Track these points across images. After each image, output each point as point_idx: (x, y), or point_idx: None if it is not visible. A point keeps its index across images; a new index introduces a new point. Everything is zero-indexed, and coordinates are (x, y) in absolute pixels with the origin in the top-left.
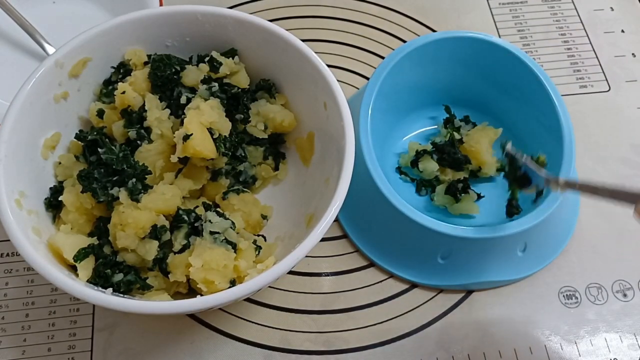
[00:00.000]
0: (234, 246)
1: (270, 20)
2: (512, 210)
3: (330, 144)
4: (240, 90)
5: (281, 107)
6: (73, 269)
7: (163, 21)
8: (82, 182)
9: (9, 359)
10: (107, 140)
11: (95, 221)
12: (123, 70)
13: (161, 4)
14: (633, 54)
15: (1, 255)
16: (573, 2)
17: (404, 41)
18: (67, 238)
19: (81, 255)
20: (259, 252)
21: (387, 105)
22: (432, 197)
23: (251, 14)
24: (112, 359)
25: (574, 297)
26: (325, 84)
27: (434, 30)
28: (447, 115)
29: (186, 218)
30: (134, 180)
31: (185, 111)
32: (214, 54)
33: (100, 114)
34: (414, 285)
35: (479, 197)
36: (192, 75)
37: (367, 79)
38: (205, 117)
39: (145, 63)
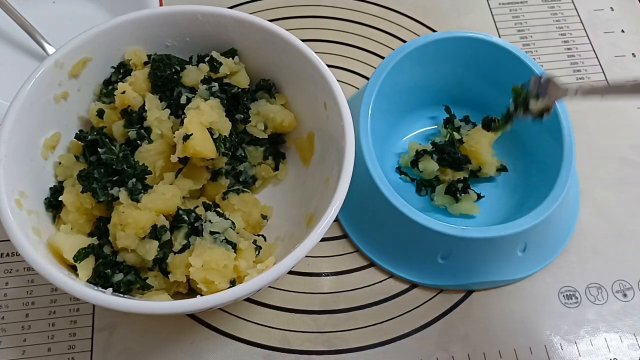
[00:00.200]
0: (234, 246)
1: (270, 20)
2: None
3: (330, 144)
4: (240, 90)
5: (281, 107)
6: (73, 269)
7: (163, 21)
8: (82, 182)
9: (9, 359)
10: (107, 140)
11: (95, 221)
12: (123, 70)
13: (161, 4)
14: (633, 54)
15: (1, 255)
16: (573, 2)
17: (404, 41)
18: (67, 238)
19: (81, 255)
20: (259, 252)
21: (387, 105)
22: (432, 197)
23: (251, 14)
24: (112, 359)
25: (574, 297)
26: (325, 84)
27: (434, 30)
28: (447, 115)
29: (186, 218)
30: (134, 180)
31: (185, 111)
32: (214, 54)
33: (100, 114)
34: (414, 285)
35: (479, 197)
36: (192, 75)
37: (367, 79)
38: (205, 117)
39: (145, 63)
